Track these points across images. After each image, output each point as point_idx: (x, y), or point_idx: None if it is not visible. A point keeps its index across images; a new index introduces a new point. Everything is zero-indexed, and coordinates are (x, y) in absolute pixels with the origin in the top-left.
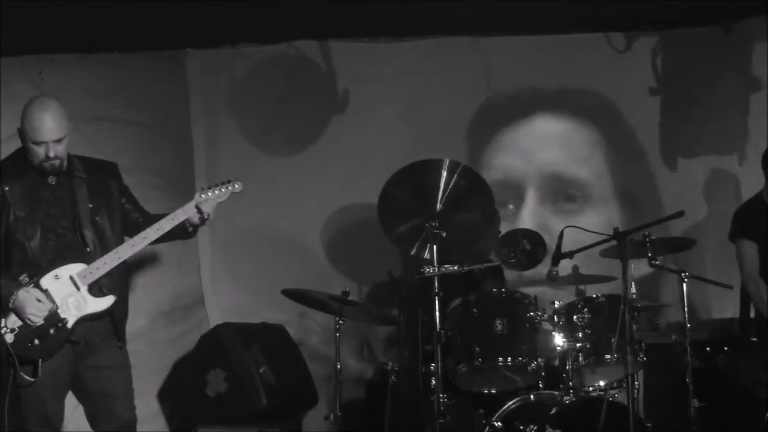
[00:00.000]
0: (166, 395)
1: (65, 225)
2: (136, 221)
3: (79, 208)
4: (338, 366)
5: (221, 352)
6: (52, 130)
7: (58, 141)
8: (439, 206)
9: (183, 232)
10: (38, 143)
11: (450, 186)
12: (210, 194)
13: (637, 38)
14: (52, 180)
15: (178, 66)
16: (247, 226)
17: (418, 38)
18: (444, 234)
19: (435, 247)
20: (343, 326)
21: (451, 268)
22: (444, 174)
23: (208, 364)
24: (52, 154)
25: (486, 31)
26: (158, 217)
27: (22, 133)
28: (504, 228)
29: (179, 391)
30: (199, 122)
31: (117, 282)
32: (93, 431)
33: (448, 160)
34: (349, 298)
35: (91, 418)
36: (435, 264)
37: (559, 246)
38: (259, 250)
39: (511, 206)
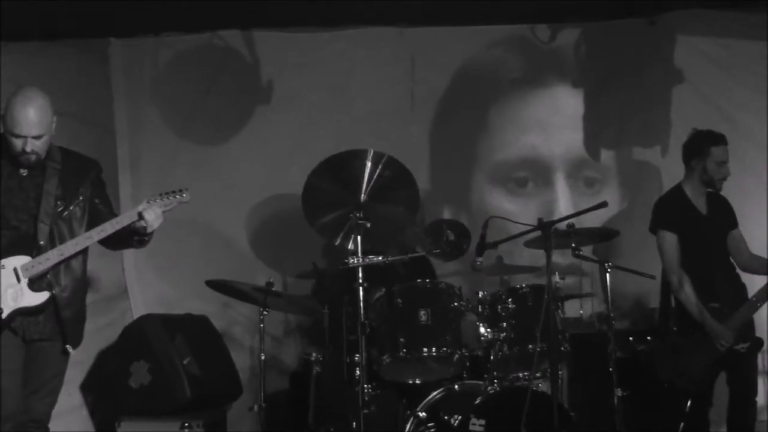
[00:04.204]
0: (89, 387)
1: (23, 217)
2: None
3: (42, 200)
4: (262, 357)
5: (145, 344)
6: (32, 126)
7: (38, 137)
8: (363, 197)
9: (132, 241)
10: (17, 136)
11: (374, 177)
12: (158, 202)
13: (561, 30)
14: (23, 172)
15: (101, 55)
16: (171, 216)
17: (343, 28)
18: (368, 225)
19: (359, 237)
20: (268, 317)
21: (375, 259)
22: (368, 164)
23: (132, 355)
24: (29, 149)
25: (412, 22)
26: None
27: (3, 121)
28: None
29: (102, 383)
30: (122, 112)
31: (73, 279)
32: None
33: (372, 151)
34: (273, 289)
35: None
36: (359, 254)
37: (483, 236)
38: (183, 241)
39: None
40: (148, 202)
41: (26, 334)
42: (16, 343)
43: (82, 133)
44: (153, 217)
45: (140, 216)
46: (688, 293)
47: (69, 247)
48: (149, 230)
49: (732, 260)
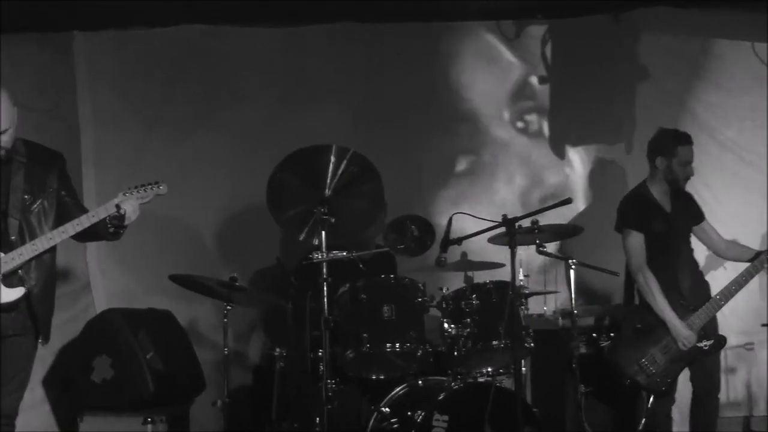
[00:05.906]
0: (51, 382)
1: None
2: (72, 216)
3: (11, 195)
4: (226, 352)
5: (108, 338)
6: None
7: (4, 132)
8: (327, 192)
9: (106, 233)
10: None
11: (339, 172)
12: (134, 194)
13: (527, 26)
14: None
15: (66, 48)
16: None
17: (307, 24)
18: (333, 220)
19: (324, 232)
20: (231, 312)
21: (339, 254)
22: (333, 159)
23: (95, 350)
24: (1, 145)
25: (379, 18)
26: None
27: None
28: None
29: (65, 378)
30: (86, 106)
31: (44, 274)
32: None
33: (335, 146)
34: (237, 284)
35: None
36: (323, 250)
37: (447, 232)
38: (147, 235)
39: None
40: (124, 194)
41: (1, 330)
42: None
43: (46, 127)
44: (131, 209)
45: (117, 208)
46: (654, 292)
47: (44, 242)
48: (126, 223)
49: (695, 258)
